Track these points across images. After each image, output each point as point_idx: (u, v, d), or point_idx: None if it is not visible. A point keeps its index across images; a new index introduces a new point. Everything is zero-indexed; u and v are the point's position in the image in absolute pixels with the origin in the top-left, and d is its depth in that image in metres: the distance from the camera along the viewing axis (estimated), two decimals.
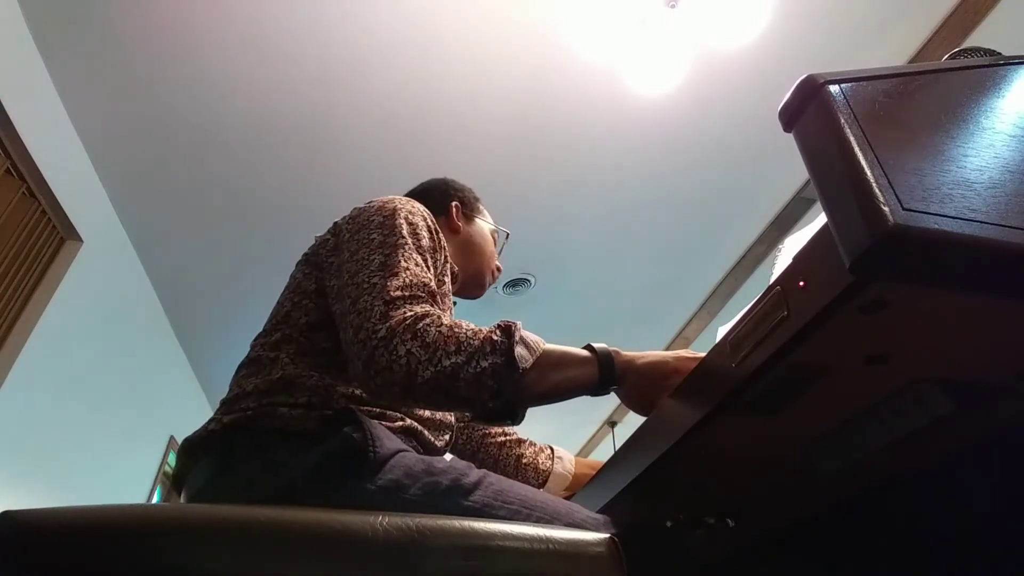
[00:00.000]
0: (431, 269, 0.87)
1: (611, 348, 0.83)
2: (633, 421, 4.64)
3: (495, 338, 0.75)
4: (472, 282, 1.16)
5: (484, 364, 0.72)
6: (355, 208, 0.95)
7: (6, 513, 0.49)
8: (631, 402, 0.83)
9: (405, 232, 0.87)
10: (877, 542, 0.87)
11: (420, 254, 0.86)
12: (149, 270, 3.21)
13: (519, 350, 0.74)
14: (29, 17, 2.12)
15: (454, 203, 1.17)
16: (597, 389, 0.82)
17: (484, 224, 1.20)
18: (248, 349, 0.90)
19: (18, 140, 2.16)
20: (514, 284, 3.47)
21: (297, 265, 0.96)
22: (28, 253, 2.37)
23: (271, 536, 0.54)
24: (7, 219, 2.24)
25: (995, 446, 0.67)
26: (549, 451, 1.25)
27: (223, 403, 0.82)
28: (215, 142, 2.55)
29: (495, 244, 1.23)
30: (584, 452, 5.50)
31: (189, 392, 4.05)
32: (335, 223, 0.96)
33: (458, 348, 0.72)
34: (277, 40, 2.21)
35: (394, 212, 0.90)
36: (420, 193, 1.20)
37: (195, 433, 0.79)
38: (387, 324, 0.72)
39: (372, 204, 0.93)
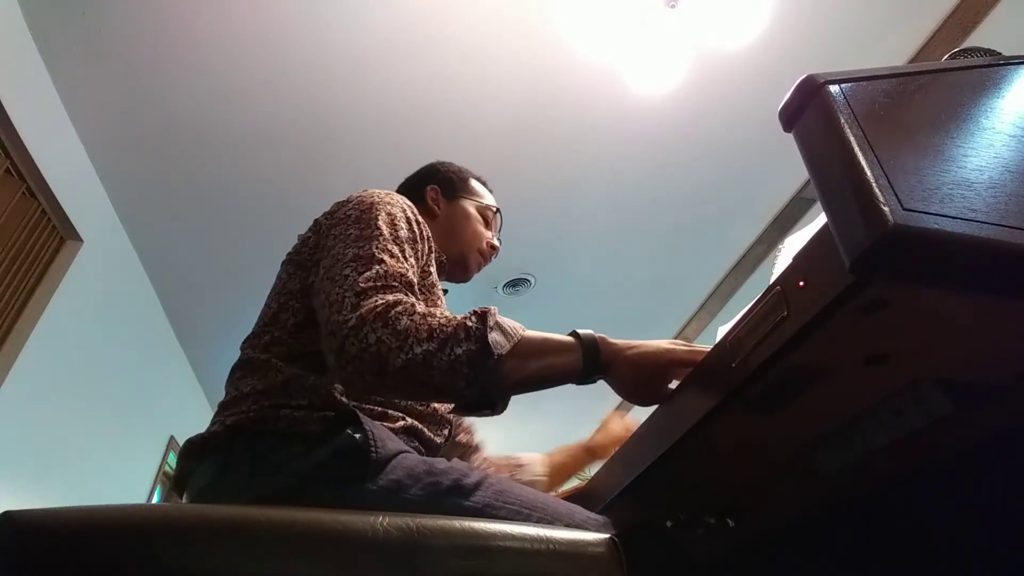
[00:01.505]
0: (409, 259, 0.84)
1: (598, 335, 0.78)
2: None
3: (469, 324, 0.72)
4: (456, 265, 1.12)
5: (458, 351, 0.70)
6: (335, 203, 0.94)
7: (6, 513, 0.49)
8: (624, 394, 0.77)
9: (381, 224, 0.84)
10: (877, 542, 0.87)
11: (397, 245, 0.83)
12: (149, 270, 3.21)
13: (494, 336, 0.72)
14: (29, 17, 2.12)
15: (429, 187, 1.15)
16: (582, 378, 0.77)
17: (469, 203, 1.15)
18: (239, 352, 0.89)
19: (18, 140, 2.15)
20: (514, 284, 3.47)
21: (282, 265, 0.94)
22: (28, 253, 2.37)
23: (272, 536, 0.54)
24: (7, 219, 2.23)
25: (995, 446, 0.67)
26: (513, 466, 1.21)
27: (221, 406, 0.82)
28: (215, 142, 2.55)
29: (487, 222, 1.17)
30: None
31: (189, 392, 4.04)
32: (316, 220, 0.94)
33: (430, 335, 0.70)
34: (277, 40, 2.21)
35: (372, 206, 0.88)
36: (403, 185, 1.19)
37: (197, 435, 0.79)
38: (357, 313, 0.70)
39: (351, 199, 0.91)
